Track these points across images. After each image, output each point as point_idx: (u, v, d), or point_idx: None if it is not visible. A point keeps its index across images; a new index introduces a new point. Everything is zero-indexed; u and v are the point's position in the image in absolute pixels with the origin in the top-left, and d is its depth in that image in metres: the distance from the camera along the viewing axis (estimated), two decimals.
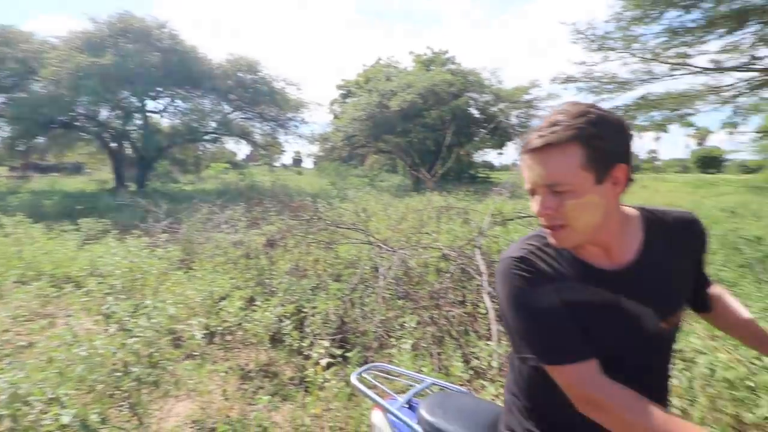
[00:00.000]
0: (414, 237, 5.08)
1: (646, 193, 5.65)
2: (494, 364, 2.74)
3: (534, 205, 0.88)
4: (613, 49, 6.65)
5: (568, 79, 7.48)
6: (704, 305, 1.07)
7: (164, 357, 2.49)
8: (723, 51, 5.98)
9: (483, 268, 3.74)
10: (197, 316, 3.13)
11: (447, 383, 1.57)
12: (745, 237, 6.42)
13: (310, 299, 3.64)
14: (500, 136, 24.33)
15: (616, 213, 0.90)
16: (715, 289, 1.09)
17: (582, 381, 0.83)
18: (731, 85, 6.42)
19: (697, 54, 6.21)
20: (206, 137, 22.40)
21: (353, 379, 1.53)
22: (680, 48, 6.18)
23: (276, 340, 3.38)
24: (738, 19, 5.43)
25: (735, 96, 6.53)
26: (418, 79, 23.11)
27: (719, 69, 6.24)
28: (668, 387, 1.02)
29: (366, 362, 2.92)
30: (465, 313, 3.50)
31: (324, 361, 2.70)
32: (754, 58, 5.84)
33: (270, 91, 20.83)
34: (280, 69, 35.86)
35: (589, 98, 7.50)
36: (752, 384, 2.28)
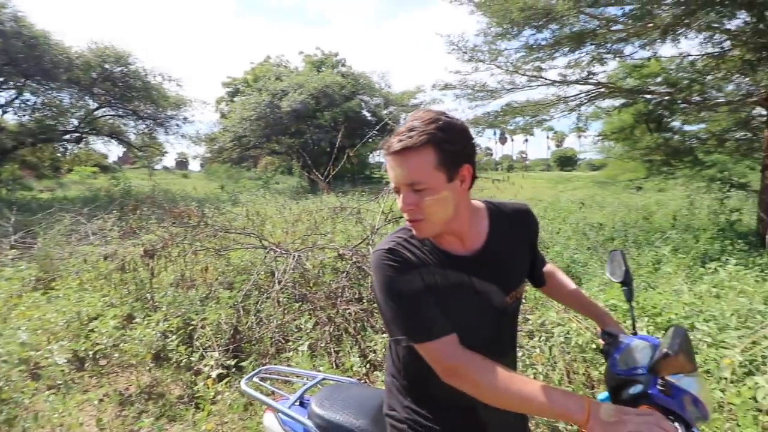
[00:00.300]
0: (310, 238, 5.07)
1: (515, 189, 6.42)
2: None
3: (399, 202, 1.00)
4: (482, 61, 7.47)
5: (447, 86, 8.15)
6: (540, 281, 1.31)
7: (18, 390, 2.16)
8: (568, 66, 7.17)
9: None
10: (60, 341, 2.76)
11: (337, 376, 1.64)
12: (591, 224, 7.66)
13: (199, 311, 3.43)
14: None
15: (466, 206, 1.05)
16: (548, 267, 1.35)
17: (444, 354, 0.95)
18: (575, 95, 7.68)
19: (548, 68, 7.38)
20: (66, 137, 19.39)
21: (243, 385, 1.52)
22: (535, 62, 7.23)
23: (160, 358, 3.13)
24: (577, 40, 6.54)
25: (579, 105, 7.83)
26: (309, 80, 22.90)
27: (565, 82, 7.43)
28: (516, 352, 1.22)
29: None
30: (361, 309, 3.61)
31: (215, 374, 2.59)
32: (590, 73, 7.08)
33: (145, 86, 18.77)
34: (159, 63, 32.52)
35: (464, 104, 8.27)
36: (597, 346, 2.77)
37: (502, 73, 7.67)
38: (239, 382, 2.74)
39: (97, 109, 19.56)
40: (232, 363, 2.80)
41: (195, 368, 2.87)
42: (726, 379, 2.11)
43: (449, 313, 1.00)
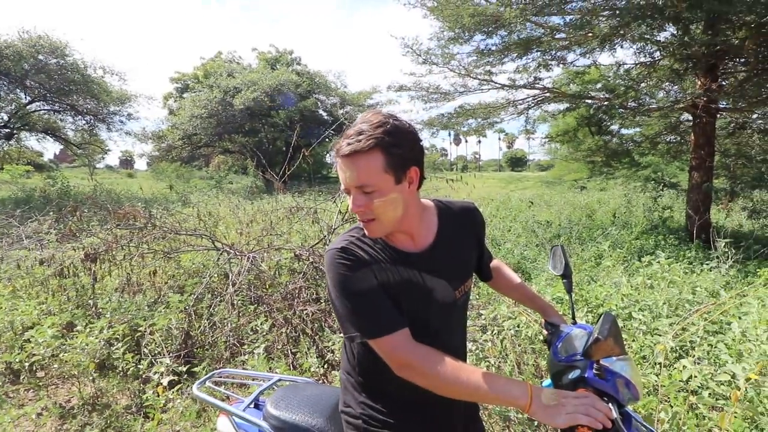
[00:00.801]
0: (265, 239, 4.97)
1: (469, 189, 6.63)
2: None
3: (349, 202, 1.02)
4: (435, 64, 7.64)
5: (402, 88, 8.27)
6: (487, 275, 1.38)
7: None
8: (516, 71, 7.49)
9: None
10: None
11: (293, 377, 1.63)
12: (540, 222, 8.05)
13: (147, 316, 3.28)
14: None
15: (415, 206, 1.09)
16: (495, 262, 1.43)
17: (396, 348, 0.98)
18: (523, 99, 8.05)
19: (498, 72, 7.68)
20: None
21: (195, 390, 1.48)
22: (486, 67, 7.50)
23: (105, 367, 2.97)
24: (524, 47, 6.87)
25: (527, 108, 8.21)
26: (263, 78, 22.35)
27: (514, 86, 7.76)
28: (466, 343, 1.28)
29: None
30: (319, 310, 3.60)
31: (166, 381, 2.49)
32: (537, 78, 7.45)
33: (84, 80, 17.53)
34: (101, 55, 30.51)
35: (419, 105, 8.43)
36: (544, 337, 2.92)
37: (455, 76, 7.90)
38: (191, 388, 2.66)
39: (29, 103, 18.06)
40: (184, 369, 2.70)
41: (143, 376, 2.75)
42: (660, 363, 2.29)
43: (401, 308, 1.03)
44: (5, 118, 17.46)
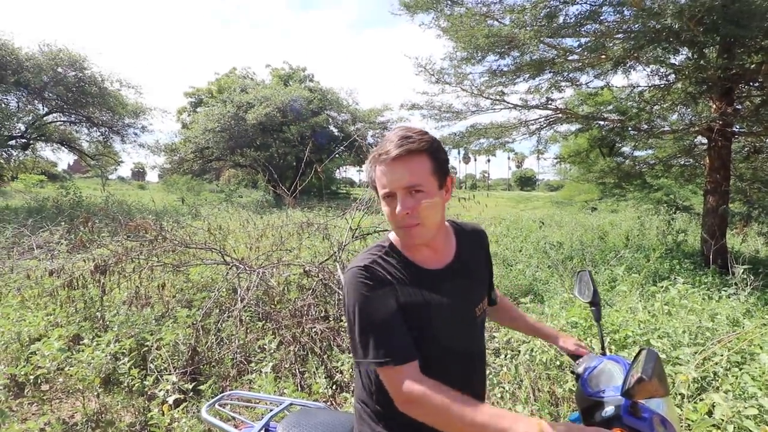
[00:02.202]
0: (275, 254, 4.95)
1: (480, 207, 6.59)
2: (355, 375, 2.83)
3: (390, 209, 1.01)
4: (448, 83, 7.69)
5: (414, 106, 8.33)
6: (493, 300, 1.35)
7: None
8: (528, 92, 7.51)
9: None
10: None
11: (305, 401, 1.58)
12: (551, 243, 7.95)
13: (154, 330, 3.24)
14: (358, 153, 25.43)
15: (444, 218, 1.10)
16: (498, 292, 1.40)
17: (403, 380, 0.93)
18: (535, 120, 8.05)
19: (510, 93, 7.71)
20: (11, 142, 18.13)
21: (203, 413, 1.43)
22: (498, 87, 7.54)
23: (110, 382, 2.92)
24: (537, 68, 6.90)
25: (538, 129, 8.20)
26: (276, 93, 22.72)
27: (526, 106, 7.78)
28: (485, 364, 1.24)
29: (222, 393, 2.73)
30: (327, 328, 3.54)
31: (171, 399, 2.44)
32: (549, 99, 7.46)
33: (101, 92, 17.95)
34: (118, 69, 31.36)
35: (431, 124, 8.47)
36: (560, 363, 2.84)
37: (467, 95, 7.94)
38: (197, 407, 2.60)
39: (47, 114, 18.48)
40: (190, 387, 2.65)
41: (149, 393, 2.70)
42: (683, 395, 2.20)
43: (425, 326, 1.01)
44: (22, 128, 17.83)
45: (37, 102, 17.82)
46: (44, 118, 18.58)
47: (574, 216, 15.21)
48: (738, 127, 6.75)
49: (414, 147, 0.97)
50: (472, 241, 1.21)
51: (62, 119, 19.51)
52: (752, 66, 5.34)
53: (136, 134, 20.45)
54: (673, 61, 6.45)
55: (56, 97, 17.58)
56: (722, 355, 2.57)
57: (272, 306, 3.88)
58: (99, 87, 17.92)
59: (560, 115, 8.05)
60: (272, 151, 25.02)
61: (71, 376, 2.72)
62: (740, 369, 2.51)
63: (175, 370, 2.85)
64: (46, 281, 4.20)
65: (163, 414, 2.36)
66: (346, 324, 1.04)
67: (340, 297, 3.82)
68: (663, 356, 2.69)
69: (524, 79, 7.35)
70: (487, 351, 3.22)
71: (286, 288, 4.21)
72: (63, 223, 6.34)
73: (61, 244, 5.29)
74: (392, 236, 1.13)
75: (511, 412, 0.87)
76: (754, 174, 8.60)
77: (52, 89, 17.11)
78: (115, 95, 18.69)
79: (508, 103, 7.79)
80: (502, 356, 3.11)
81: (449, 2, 6.86)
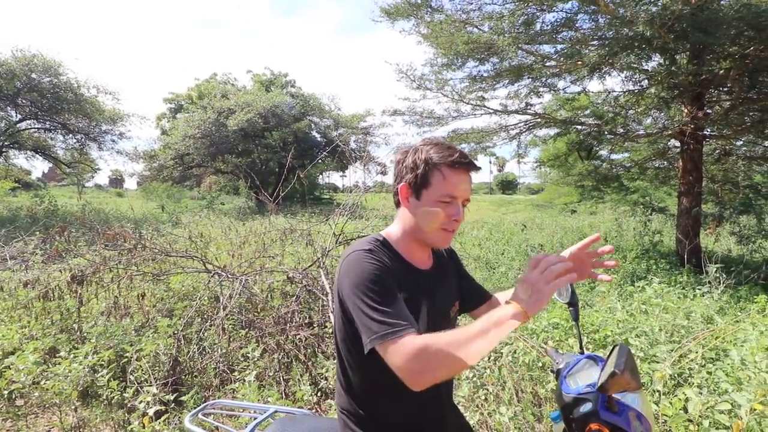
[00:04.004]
0: (257, 261, 4.90)
1: None
2: None
3: (446, 212, 1.07)
4: (429, 89, 7.79)
5: (396, 112, 8.40)
6: (481, 301, 1.37)
7: None
8: (508, 97, 7.67)
9: (328, 287, 3.84)
10: None
11: (289, 408, 1.57)
12: (533, 245, 8.08)
13: (134, 341, 3.18)
14: (340, 159, 25.39)
15: None
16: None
17: (407, 346, 0.88)
18: (515, 124, 8.21)
19: (491, 98, 7.87)
20: None
21: (186, 423, 1.41)
22: (479, 92, 7.67)
23: (89, 395, 2.85)
24: (516, 74, 7.05)
25: (518, 133, 8.36)
26: (257, 99, 22.55)
27: (506, 111, 7.92)
28: None
29: (205, 402, 2.68)
30: (312, 334, 3.52)
31: (152, 411, 2.39)
32: (528, 104, 7.63)
33: (77, 99, 17.53)
34: (95, 74, 30.63)
35: (413, 130, 8.56)
36: (542, 364, 2.88)
37: (448, 101, 8.06)
38: (179, 418, 2.55)
39: (20, 121, 17.97)
40: (172, 398, 2.59)
41: (128, 405, 2.63)
42: (659, 391, 2.26)
43: (412, 314, 1.05)
44: None
45: (9, 108, 17.32)
46: (17, 125, 18.05)
47: (554, 218, 15.49)
48: (709, 130, 7.01)
49: (478, 169, 1.11)
50: (439, 251, 1.30)
51: (36, 126, 19.01)
52: (721, 72, 5.56)
53: (113, 141, 20.05)
54: (646, 67, 6.68)
55: (30, 104, 17.11)
56: (697, 352, 2.66)
57: (255, 314, 3.84)
58: (75, 93, 17.50)
59: (539, 119, 8.23)
60: (254, 157, 24.81)
61: (47, 389, 2.64)
62: (714, 365, 2.59)
63: (155, 381, 2.79)
64: (20, 293, 4.07)
65: (143, 426, 2.30)
66: (349, 305, 1.01)
67: (324, 303, 3.80)
68: (641, 354, 2.76)
69: (504, 85, 7.50)
70: None
71: (269, 295, 4.17)
72: (38, 233, 6.14)
73: (36, 254, 5.12)
74: (386, 233, 1.16)
75: (488, 314, 0.90)
76: (725, 176, 8.93)
77: (26, 95, 16.65)
78: (91, 101, 18.27)
79: (488, 108, 7.93)
80: (486, 358, 3.14)
81: (429, 9, 6.97)
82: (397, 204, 1.16)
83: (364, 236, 1.27)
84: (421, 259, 1.17)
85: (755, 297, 3.89)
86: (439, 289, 1.18)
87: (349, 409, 1.13)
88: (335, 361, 1.18)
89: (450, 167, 1.06)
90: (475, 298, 1.37)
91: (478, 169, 1.10)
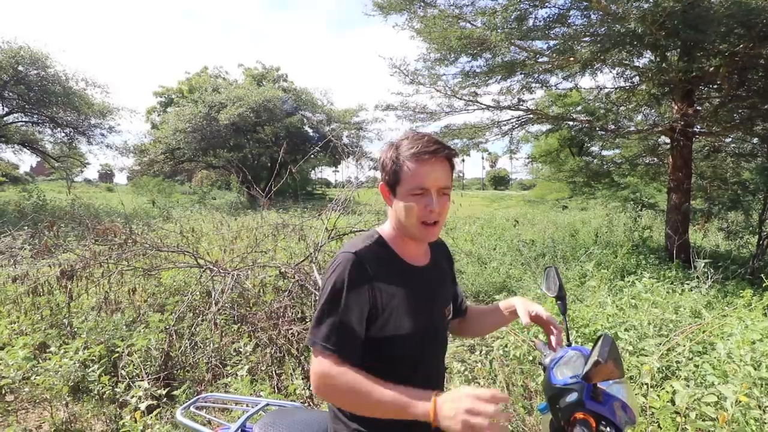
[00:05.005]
0: (249, 256, 4.88)
1: (455, 207, 6.69)
2: None
3: (420, 205, 1.05)
4: (422, 84, 7.78)
5: (389, 107, 8.38)
6: (462, 310, 1.41)
7: None
8: (500, 93, 7.69)
9: (320, 282, 3.84)
10: None
11: (281, 401, 1.57)
12: (524, 241, 8.13)
13: (125, 336, 3.16)
14: (333, 154, 25.30)
15: None
16: (465, 301, 1.45)
17: (328, 365, 0.97)
18: (507, 120, 8.23)
19: (483, 94, 7.86)
20: None
21: (178, 416, 1.41)
22: (471, 88, 7.66)
23: (79, 390, 2.83)
24: (508, 69, 7.05)
25: (511, 129, 8.39)
26: (249, 93, 22.36)
27: (499, 107, 7.94)
28: (444, 355, 1.29)
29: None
30: (304, 329, 3.52)
31: (144, 405, 2.38)
32: (520, 100, 7.66)
33: (65, 92, 17.22)
34: (84, 67, 30.08)
35: (406, 125, 8.54)
36: (533, 358, 2.92)
37: (441, 96, 8.05)
38: (171, 413, 2.55)
39: (7, 114, 17.62)
40: (163, 392, 2.59)
41: (120, 400, 2.62)
42: (647, 384, 2.29)
43: (406, 313, 1.07)
44: None
45: None
46: (4, 119, 17.71)
47: (546, 214, 15.58)
48: (698, 127, 7.08)
49: (451, 153, 1.06)
50: (439, 251, 1.31)
51: (24, 119, 18.63)
52: (711, 69, 5.61)
53: (103, 135, 19.72)
54: (637, 63, 6.72)
55: (17, 97, 16.77)
56: (684, 346, 2.70)
57: (248, 308, 3.84)
58: (63, 86, 17.18)
59: (531, 115, 8.26)
60: (246, 151, 24.64)
61: (38, 385, 2.63)
62: (701, 358, 2.64)
63: (147, 376, 2.78)
64: (9, 288, 4.03)
65: (135, 421, 2.30)
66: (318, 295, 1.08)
67: (317, 298, 3.80)
68: (629, 348, 2.81)
69: (496, 81, 7.51)
70: (462, 348, 3.29)
71: (261, 290, 4.17)
72: (26, 228, 6.05)
73: (25, 249, 5.06)
74: (381, 230, 1.17)
75: (413, 390, 0.91)
76: (713, 172, 9.05)
77: (13, 88, 16.31)
78: (80, 95, 17.95)
79: (481, 104, 7.94)
80: (477, 352, 3.17)
81: (422, 4, 6.94)
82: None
83: (356, 231, 1.28)
84: (416, 256, 1.17)
85: (742, 292, 3.96)
86: (434, 286, 1.18)
87: None
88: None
89: (414, 159, 1.04)
90: (456, 313, 1.37)
91: (448, 152, 1.05)
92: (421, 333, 1.12)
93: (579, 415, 0.97)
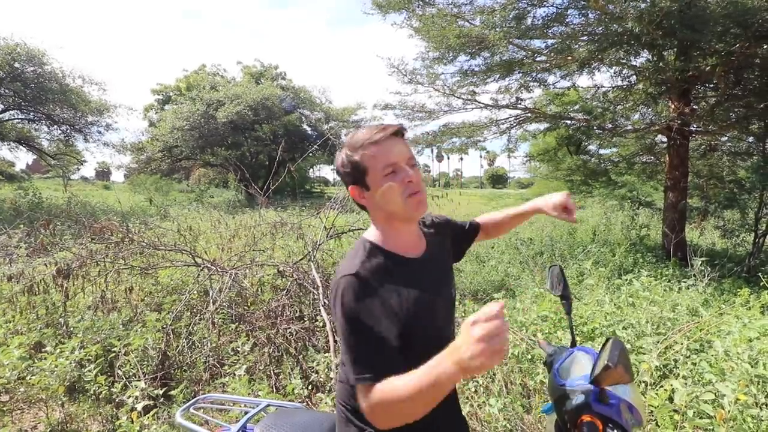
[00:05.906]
0: (247, 255, 4.86)
1: (453, 205, 6.68)
2: (332, 375, 2.83)
3: (398, 180, 1.05)
4: (420, 83, 7.77)
5: (387, 106, 8.37)
6: (475, 231, 1.49)
7: None
8: (499, 92, 7.69)
9: (319, 281, 3.83)
10: None
11: (282, 402, 1.56)
12: (522, 239, 8.14)
13: (122, 335, 3.14)
14: (331, 152, 25.23)
15: None
16: (482, 218, 1.53)
17: (370, 400, 0.91)
18: (505, 119, 8.24)
19: (482, 93, 7.87)
20: None
21: (178, 417, 1.40)
22: (470, 87, 7.67)
23: (76, 390, 2.81)
24: (507, 68, 7.06)
25: (509, 128, 8.39)
26: (247, 91, 22.27)
27: (497, 106, 7.94)
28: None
29: (195, 397, 2.66)
30: (303, 328, 3.51)
31: (141, 405, 2.37)
32: (518, 99, 7.65)
33: (62, 89, 17.10)
34: (81, 64, 29.92)
35: (404, 123, 8.50)
36: (531, 356, 2.92)
37: (439, 95, 8.04)
38: (168, 413, 2.54)
39: (3, 111, 17.50)
40: (160, 392, 2.58)
41: (117, 400, 2.61)
42: (645, 382, 2.30)
43: (411, 310, 1.04)
44: None
45: None
46: (0, 116, 17.60)
47: None
48: (695, 126, 7.10)
49: (401, 129, 1.09)
50: (435, 230, 1.29)
51: (20, 117, 18.52)
52: (707, 68, 5.62)
53: (99, 132, 19.62)
54: (634, 63, 6.73)
55: (13, 94, 16.65)
56: (682, 344, 2.71)
57: (245, 307, 3.83)
58: (60, 83, 17.07)
59: (529, 114, 8.26)
60: (244, 149, 24.54)
61: (33, 385, 2.61)
62: (699, 356, 2.65)
63: (144, 376, 2.77)
64: (4, 287, 4.00)
65: (132, 421, 2.28)
66: (338, 330, 1.03)
67: (315, 297, 3.80)
68: (628, 346, 2.81)
69: (495, 79, 7.51)
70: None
71: (259, 289, 4.16)
72: (22, 226, 6.02)
73: (20, 247, 5.02)
74: (368, 236, 1.13)
75: (427, 365, 0.83)
76: (710, 171, 9.08)
77: (9, 85, 16.19)
78: (77, 92, 17.83)
79: (479, 102, 7.93)
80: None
81: (420, 2, 6.93)
82: (362, 207, 1.16)
83: (355, 230, 1.26)
84: (411, 243, 1.16)
85: (738, 290, 3.97)
86: (434, 274, 1.17)
87: (349, 402, 1.11)
88: (327, 354, 1.18)
89: (371, 144, 1.05)
90: (469, 237, 1.47)
91: (397, 128, 1.08)
92: (431, 323, 1.12)
93: (586, 418, 0.97)
